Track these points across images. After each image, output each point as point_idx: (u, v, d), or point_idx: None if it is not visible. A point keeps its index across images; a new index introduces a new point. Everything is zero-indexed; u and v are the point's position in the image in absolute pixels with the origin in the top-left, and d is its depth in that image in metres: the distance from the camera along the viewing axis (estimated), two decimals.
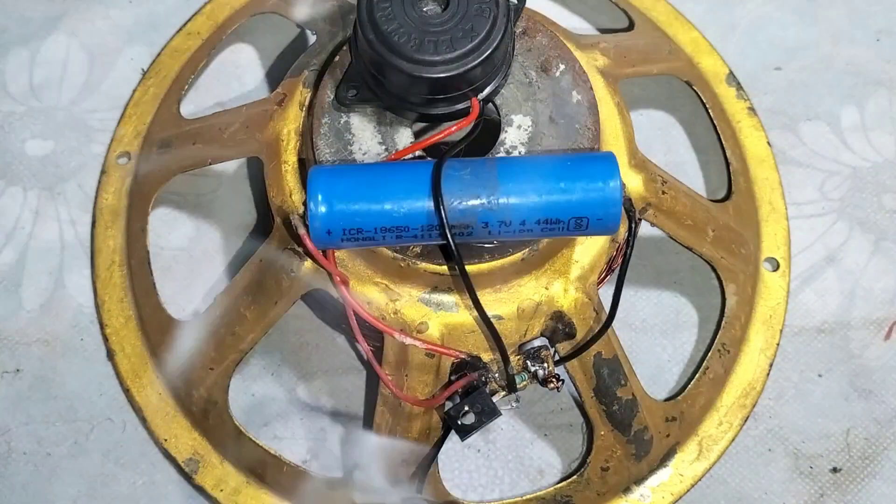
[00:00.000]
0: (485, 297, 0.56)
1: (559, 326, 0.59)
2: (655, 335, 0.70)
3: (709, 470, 0.65)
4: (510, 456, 0.65)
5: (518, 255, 0.56)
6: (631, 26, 0.80)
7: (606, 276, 0.65)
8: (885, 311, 0.71)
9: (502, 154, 0.57)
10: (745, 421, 0.66)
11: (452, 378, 0.58)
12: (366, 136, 0.58)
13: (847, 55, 0.81)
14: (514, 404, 0.59)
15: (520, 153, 0.57)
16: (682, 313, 0.71)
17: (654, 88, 0.79)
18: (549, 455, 0.65)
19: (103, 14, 0.83)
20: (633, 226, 0.55)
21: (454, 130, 0.54)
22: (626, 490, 0.63)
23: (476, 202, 0.51)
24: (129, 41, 0.81)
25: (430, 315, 0.57)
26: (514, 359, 0.57)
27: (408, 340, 0.55)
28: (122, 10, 0.83)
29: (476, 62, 0.53)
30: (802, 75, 0.80)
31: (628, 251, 0.55)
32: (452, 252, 0.52)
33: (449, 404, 0.58)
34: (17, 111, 0.78)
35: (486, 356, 0.58)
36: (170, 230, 0.73)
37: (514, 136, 0.58)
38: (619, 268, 0.59)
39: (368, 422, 0.64)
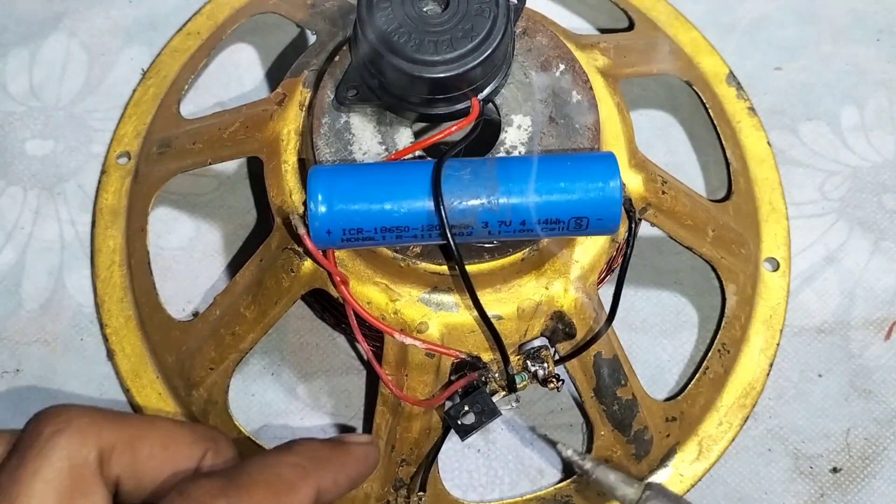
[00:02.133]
0: (485, 297, 0.56)
1: (559, 326, 0.59)
2: (655, 335, 0.70)
3: (709, 470, 0.65)
4: (510, 456, 0.65)
5: (518, 255, 0.56)
6: (631, 26, 0.80)
7: (606, 276, 0.65)
8: (885, 311, 0.71)
9: (502, 154, 0.57)
10: (745, 421, 0.66)
11: (452, 378, 0.58)
12: (366, 136, 0.58)
13: (847, 55, 0.81)
14: (514, 404, 0.59)
15: (520, 153, 0.57)
16: (682, 313, 0.71)
17: (654, 88, 0.79)
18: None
19: (103, 14, 0.83)
20: (633, 226, 0.55)
21: (454, 130, 0.54)
22: None
23: (476, 202, 0.51)
24: (129, 41, 0.81)
25: (430, 315, 0.57)
26: (514, 359, 0.57)
27: (408, 340, 0.55)
28: (122, 10, 0.83)
29: (476, 62, 0.53)
30: (802, 75, 0.80)
31: (628, 251, 0.55)
32: (452, 252, 0.52)
33: (449, 404, 0.58)
34: (17, 111, 0.78)
35: (486, 356, 0.57)
36: (170, 230, 0.73)
37: (514, 136, 0.58)
38: (619, 268, 0.59)
39: (368, 422, 0.64)
